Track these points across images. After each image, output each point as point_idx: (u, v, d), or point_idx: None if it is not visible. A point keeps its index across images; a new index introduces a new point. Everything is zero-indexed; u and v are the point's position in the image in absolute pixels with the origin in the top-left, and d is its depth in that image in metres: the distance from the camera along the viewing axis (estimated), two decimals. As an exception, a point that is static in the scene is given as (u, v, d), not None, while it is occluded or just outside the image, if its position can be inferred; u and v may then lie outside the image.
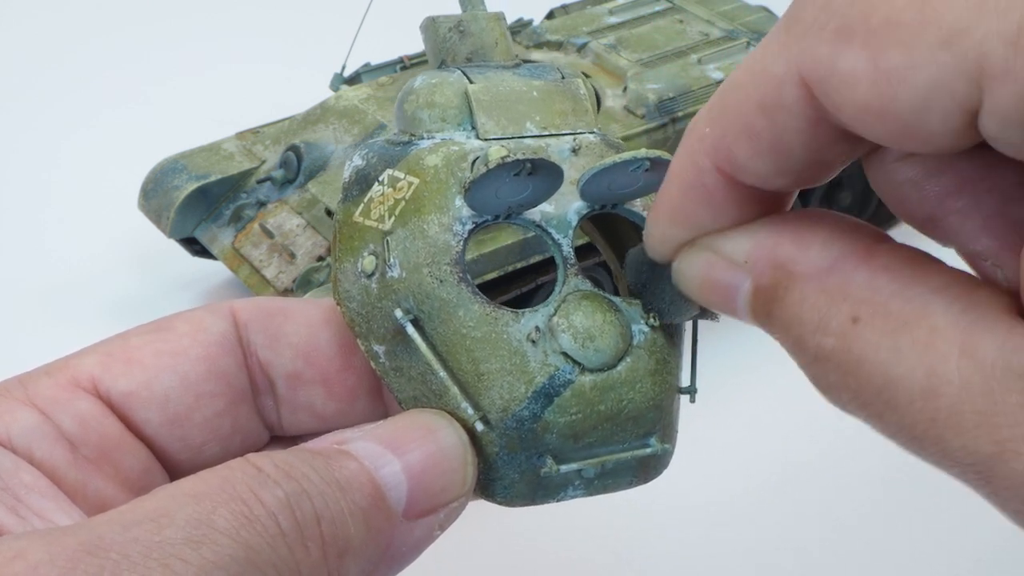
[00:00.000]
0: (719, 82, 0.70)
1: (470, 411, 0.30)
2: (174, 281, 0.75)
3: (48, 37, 1.00)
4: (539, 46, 0.75)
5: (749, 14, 0.78)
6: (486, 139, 0.32)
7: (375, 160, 0.33)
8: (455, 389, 0.30)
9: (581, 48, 0.74)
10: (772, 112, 0.25)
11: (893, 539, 0.59)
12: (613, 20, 0.78)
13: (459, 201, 0.31)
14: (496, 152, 0.31)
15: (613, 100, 0.70)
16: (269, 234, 0.67)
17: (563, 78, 0.34)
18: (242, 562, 0.25)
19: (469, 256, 0.61)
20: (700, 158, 0.27)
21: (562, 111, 0.34)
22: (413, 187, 0.31)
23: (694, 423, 0.64)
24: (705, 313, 0.31)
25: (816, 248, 0.26)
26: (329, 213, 0.65)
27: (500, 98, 0.33)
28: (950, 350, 0.23)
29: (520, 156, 0.29)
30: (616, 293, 0.33)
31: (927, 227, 0.27)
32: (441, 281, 0.30)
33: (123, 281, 0.75)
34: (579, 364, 0.30)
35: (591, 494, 0.32)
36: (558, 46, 0.75)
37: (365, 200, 0.32)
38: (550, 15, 0.81)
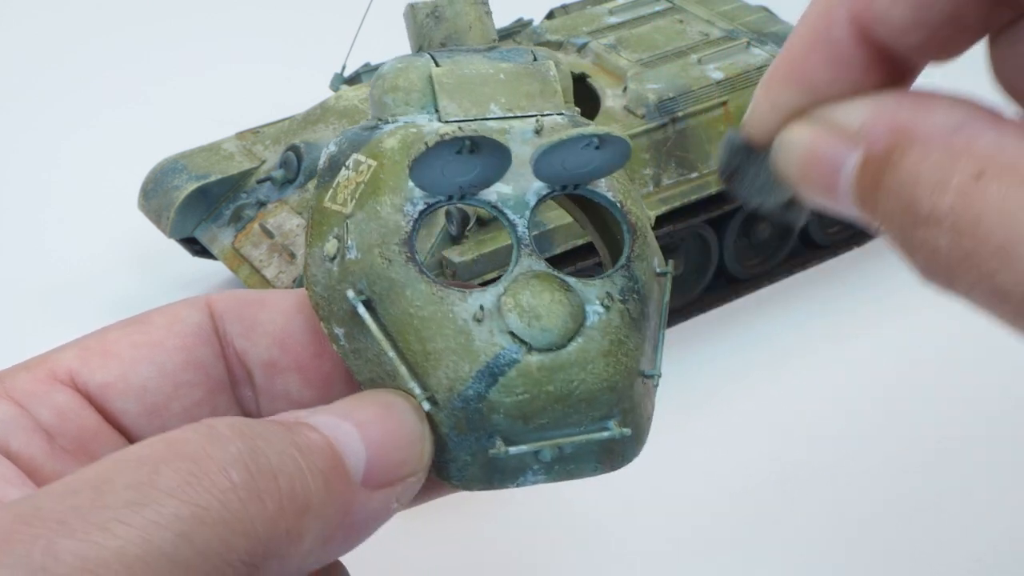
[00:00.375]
0: (719, 82, 0.71)
1: (418, 391, 0.30)
2: (174, 281, 0.75)
3: (48, 37, 1.00)
4: (539, 46, 0.75)
5: (749, 14, 0.78)
6: (447, 121, 0.32)
7: (345, 145, 0.33)
8: (403, 369, 0.30)
9: (581, 48, 0.74)
10: None
11: (893, 539, 0.59)
12: (613, 20, 0.78)
13: (412, 182, 0.31)
14: (440, 130, 0.31)
15: (613, 100, 0.70)
16: (269, 234, 0.67)
17: (535, 60, 0.34)
18: (187, 519, 0.25)
19: (469, 256, 0.61)
20: (836, 5, 0.26)
21: (529, 93, 0.33)
22: (371, 170, 0.31)
23: (695, 423, 0.64)
24: (791, 207, 0.30)
25: (941, 111, 0.25)
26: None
27: (464, 80, 0.33)
28: None
29: (459, 134, 0.29)
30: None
31: None
32: (390, 261, 0.30)
33: (123, 281, 0.75)
34: (525, 343, 0.30)
35: (553, 479, 0.31)
36: (558, 46, 0.75)
37: (334, 185, 0.32)
38: (550, 15, 0.81)
